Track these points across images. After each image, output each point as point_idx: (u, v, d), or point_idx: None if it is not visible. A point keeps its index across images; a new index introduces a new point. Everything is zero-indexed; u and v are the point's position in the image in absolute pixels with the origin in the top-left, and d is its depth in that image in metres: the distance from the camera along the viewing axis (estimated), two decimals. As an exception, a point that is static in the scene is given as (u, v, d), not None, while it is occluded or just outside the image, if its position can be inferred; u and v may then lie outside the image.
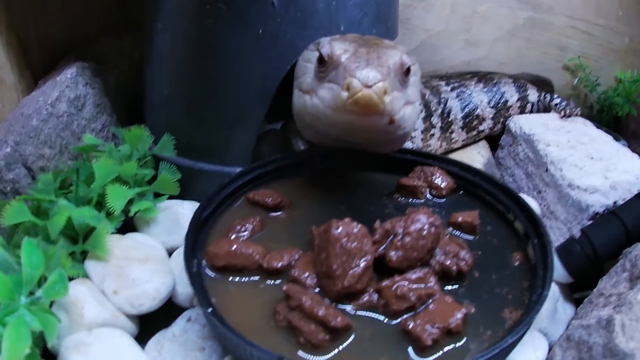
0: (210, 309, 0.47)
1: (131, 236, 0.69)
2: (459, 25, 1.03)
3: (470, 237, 0.59)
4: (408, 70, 0.58)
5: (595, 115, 1.13)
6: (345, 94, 0.52)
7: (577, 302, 0.70)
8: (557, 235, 0.75)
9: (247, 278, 0.53)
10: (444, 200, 0.64)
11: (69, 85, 0.81)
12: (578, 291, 0.72)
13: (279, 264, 0.52)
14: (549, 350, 0.60)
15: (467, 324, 0.49)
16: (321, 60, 0.57)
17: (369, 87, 0.51)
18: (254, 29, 0.66)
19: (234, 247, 0.53)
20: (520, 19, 1.05)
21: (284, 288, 0.48)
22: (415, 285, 0.49)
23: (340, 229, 0.48)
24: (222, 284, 0.53)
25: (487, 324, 0.50)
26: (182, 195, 0.72)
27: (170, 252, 0.68)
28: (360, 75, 0.52)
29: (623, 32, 1.11)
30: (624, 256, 0.65)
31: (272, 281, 0.52)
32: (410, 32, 1.01)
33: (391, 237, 0.50)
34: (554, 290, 0.67)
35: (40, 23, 0.86)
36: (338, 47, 0.56)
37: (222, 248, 0.54)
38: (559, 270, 0.67)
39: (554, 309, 0.66)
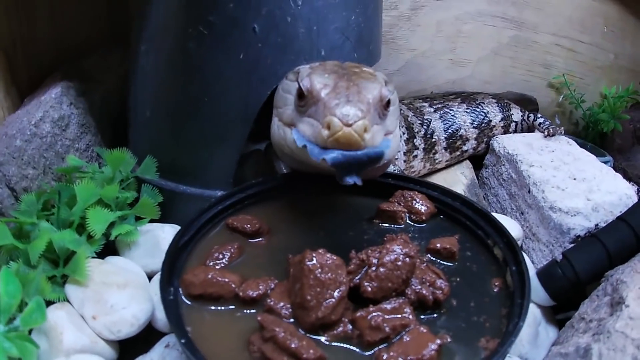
0: (183, 340, 0.47)
1: (111, 260, 0.68)
2: (444, 45, 1.03)
3: (450, 264, 0.58)
4: (388, 103, 0.58)
5: (581, 132, 1.13)
6: (325, 132, 0.52)
7: (560, 323, 0.69)
8: (539, 257, 0.74)
9: (223, 307, 0.52)
10: (424, 225, 0.63)
11: (53, 105, 0.81)
12: (562, 312, 0.72)
13: (255, 293, 0.51)
14: (529, 377, 0.60)
15: (441, 355, 0.48)
16: (301, 94, 0.56)
17: (349, 125, 0.51)
18: (235, 53, 0.66)
19: (210, 275, 0.52)
20: (505, 37, 1.05)
21: (259, 318, 0.48)
22: (390, 316, 0.48)
23: (314, 261, 0.47)
24: (198, 312, 0.52)
25: (462, 354, 0.49)
26: (164, 218, 0.71)
27: (150, 276, 0.67)
28: (340, 114, 0.51)
29: (608, 48, 1.11)
30: (606, 279, 0.65)
31: (248, 310, 0.51)
32: (396, 52, 1.01)
33: (366, 267, 0.50)
34: (535, 314, 0.66)
35: (27, 39, 0.85)
36: (317, 82, 0.55)
37: (198, 276, 0.53)
38: (540, 294, 0.66)
39: (536, 332, 0.65)
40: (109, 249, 0.71)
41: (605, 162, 0.86)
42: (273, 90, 0.66)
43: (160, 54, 0.71)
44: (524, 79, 1.08)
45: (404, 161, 0.85)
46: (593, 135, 1.09)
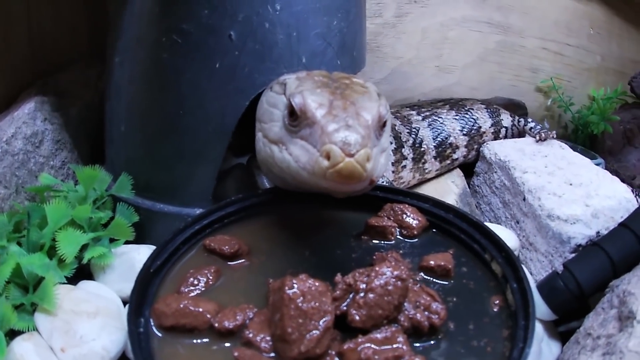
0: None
1: (83, 286, 0.61)
2: (430, 52, 0.97)
3: (445, 282, 0.51)
4: (385, 123, 0.51)
5: (571, 135, 1.07)
6: (325, 163, 0.44)
7: (562, 336, 0.62)
8: (537, 268, 0.68)
9: (197, 339, 0.45)
10: (415, 240, 0.56)
11: (26, 121, 0.74)
12: (563, 324, 0.65)
13: (232, 324, 0.44)
14: (535, 401, 0.53)
15: (441, 389, 0.41)
16: (292, 113, 0.49)
17: (351, 155, 0.44)
18: (210, 62, 0.59)
19: (183, 304, 0.45)
20: (491, 42, 1.00)
21: (235, 354, 0.41)
22: (381, 347, 0.41)
23: (294, 288, 0.40)
24: (171, 346, 0.45)
25: (464, 385, 0.42)
26: (142, 239, 0.64)
27: (125, 302, 0.59)
28: (341, 142, 0.44)
29: (594, 50, 1.06)
30: (611, 290, 0.58)
31: (225, 343, 0.44)
32: (381, 60, 0.95)
33: (353, 293, 0.42)
34: (537, 329, 0.59)
35: (3, 53, 0.78)
36: (311, 100, 0.48)
37: (170, 306, 0.46)
38: (541, 308, 0.59)
39: (539, 350, 0.59)
40: (84, 272, 0.64)
41: (597, 165, 0.80)
42: (252, 101, 0.59)
43: (135, 66, 0.65)
44: (511, 84, 1.02)
45: (393, 172, 0.78)
46: (583, 138, 1.03)
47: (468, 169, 0.89)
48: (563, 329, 0.65)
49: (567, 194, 0.70)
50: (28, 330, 0.55)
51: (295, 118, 0.48)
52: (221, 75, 0.59)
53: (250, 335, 0.43)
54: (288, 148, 0.49)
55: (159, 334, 0.46)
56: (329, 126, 0.45)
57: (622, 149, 1.01)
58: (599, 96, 1.01)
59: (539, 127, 0.87)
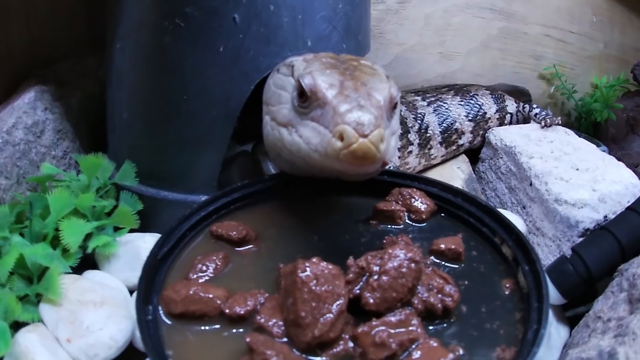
0: (161, 370, 0.38)
1: (88, 275, 0.60)
2: (433, 38, 0.96)
3: (455, 266, 0.51)
4: (396, 105, 0.50)
5: (574, 123, 1.06)
6: (338, 144, 0.43)
7: (570, 321, 0.62)
8: (545, 253, 0.67)
9: (208, 326, 0.44)
10: (424, 224, 0.55)
11: (26, 111, 0.73)
12: (570, 309, 0.64)
13: (243, 310, 0.43)
14: (546, 384, 0.52)
15: (456, 371, 0.40)
16: (302, 94, 0.48)
17: (365, 135, 0.43)
18: (214, 46, 0.58)
19: (192, 290, 0.44)
20: (494, 29, 0.98)
21: (247, 340, 0.39)
22: (396, 330, 0.40)
23: (307, 272, 0.39)
24: (180, 333, 0.44)
25: (478, 367, 0.42)
26: (146, 227, 0.63)
27: (132, 291, 0.59)
28: (354, 122, 0.43)
29: (597, 38, 1.05)
30: (620, 274, 0.58)
31: (236, 329, 0.43)
32: (384, 46, 0.93)
33: (366, 275, 0.42)
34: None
35: (2, 44, 0.76)
36: (322, 81, 0.47)
37: (179, 292, 0.45)
38: (550, 292, 0.58)
39: (548, 334, 0.58)
40: (88, 262, 0.63)
41: (601, 152, 0.79)
42: (257, 85, 0.58)
43: (136, 51, 0.63)
44: (514, 71, 1.01)
45: (399, 157, 0.77)
46: (586, 126, 1.03)
47: (473, 155, 0.88)
48: (570, 314, 0.64)
49: (574, 178, 0.69)
50: (33, 322, 0.54)
51: (305, 99, 0.47)
52: (225, 59, 0.58)
53: (262, 320, 0.42)
54: (298, 130, 0.48)
55: (168, 322, 0.45)
56: (341, 106, 0.44)
57: (625, 136, 1.00)
58: (602, 84, 1.00)
59: (544, 113, 0.86)
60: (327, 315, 0.39)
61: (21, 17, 0.78)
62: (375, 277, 0.41)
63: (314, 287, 0.39)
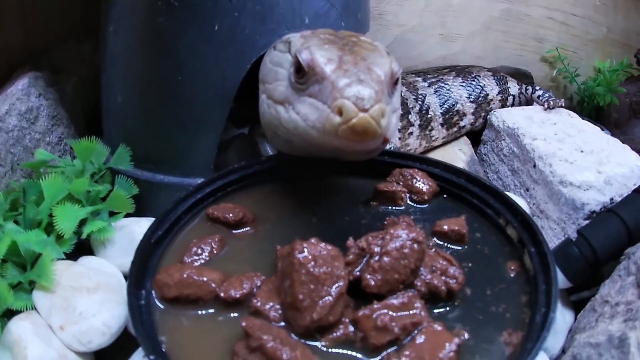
0: (152, 357, 0.36)
1: (83, 261, 0.58)
2: (434, 20, 0.93)
3: (459, 247, 0.48)
4: (397, 81, 0.47)
5: (576, 106, 1.04)
6: (337, 119, 0.41)
7: (574, 305, 0.60)
8: (549, 236, 0.65)
9: (202, 310, 0.42)
10: (426, 205, 0.53)
11: (20, 97, 0.70)
12: (574, 293, 0.62)
13: (238, 293, 0.41)
14: (552, 370, 0.50)
15: (460, 356, 0.38)
16: (299, 69, 0.45)
17: (365, 110, 0.40)
18: (209, 25, 0.55)
19: (186, 274, 0.42)
20: (496, 11, 0.95)
21: (243, 324, 0.37)
22: (398, 313, 0.38)
23: (305, 252, 0.37)
24: (174, 318, 0.42)
25: (484, 352, 0.40)
26: (142, 212, 0.61)
27: (127, 276, 0.57)
28: (353, 96, 0.41)
29: (601, 22, 1.02)
30: (627, 257, 0.55)
31: (232, 313, 0.41)
32: (384, 27, 0.90)
33: (367, 257, 0.39)
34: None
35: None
36: (320, 55, 0.45)
37: (172, 276, 0.43)
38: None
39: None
40: (84, 248, 0.60)
41: (603, 137, 0.77)
42: (253, 65, 0.56)
43: (130, 33, 0.61)
44: (516, 54, 0.98)
45: (399, 138, 0.75)
46: (588, 110, 1.00)
47: (475, 137, 0.86)
48: (574, 299, 0.62)
49: (579, 160, 0.67)
50: (26, 310, 0.52)
51: (303, 75, 0.45)
52: (220, 38, 0.55)
53: (259, 304, 0.40)
54: (295, 107, 0.46)
55: (162, 306, 0.43)
56: (340, 81, 0.42)
57: (627, 121, 0.98)
58: (605, 68, 0.97)
59: (547, 95, 0.83)
60: (326, 298, 0.37)
61: (16, 5, 0.76)
62: (377, 258, 0.39)
63: (312, 269, 0.37)
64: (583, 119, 0.80)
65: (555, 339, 0.56)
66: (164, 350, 0.39)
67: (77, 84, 0.79)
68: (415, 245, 0.39)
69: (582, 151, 0.68)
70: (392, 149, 0.69)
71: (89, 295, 0.51)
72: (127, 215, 0.61)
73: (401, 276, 0.39)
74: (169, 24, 0.57)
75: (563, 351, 0.55)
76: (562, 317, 0.58)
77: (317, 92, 0.44)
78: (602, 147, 0.70)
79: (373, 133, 0.41)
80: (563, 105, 0.81)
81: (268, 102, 0.50)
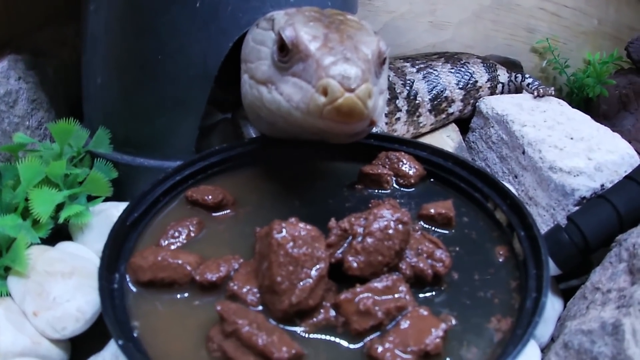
0: (121, 342, 0.34)
1: (60, 247, 0.55)
2: (424, 7, 0.90)
3: (446, 231, 0.46)
4: (384, 61, 0.45)
5: (565, 98, 1.01)
6: (322, 100, 0.38)
7: (564, 294, 0.58)
8: (538, 223, 0.62)
9: (178, 294, 0.39)
10: (412, 189, 0.50)
11: (-2, 80, 0.67)
12: (563, 281, 0.60)
13: (215, 276, 0.38)
14: (542, 357, 0.48)
15: (447, 342, 0.36)
16: (282, 47, 0.43)
17: (352, 90, 0.38)
18: (191, 2, 0.53)
19: (161, 257, 0.39)
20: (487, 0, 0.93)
21: (218, 308, 0.35)
22: (381, 297, 0.35)
23: (283, 232, 0.34)
24: (149, 302, 0.39)
25: (471, 338, 0.37)
26: (122, 196, 0.58)
27: (102, 261, 0.54)
28: (339, 75, 0.38)
29: (592, 14, 1.00)
30: (618, 244, 0.53)
31: (208, 298, 0.39)
32: (373, 14, 0.87)
33: (350, 238, 0.37)
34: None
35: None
36: (304, 32, 0.42)
37: (147, 259, 0.40)
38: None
39: (542, 305, 0.54)
40: (63, 234, 0.57)
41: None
42: (235, 43, 0.53)
43: (110, 12, 0.58)
44: (506, 43, 0.96)
45: (386, 124, 0.72)
46: (578, 101, 0.98)
47: (463, 125, 0.83)
48: (563, 287, 0.60)
49: (569, 147, 0.64)
50: (1, 296, 0.49)
51: (286, 53, 0.42)
52: (202, 16, 0.52)
53: (235, 287, 0.37)
54: (278, 87, 0.43)
55: (135, 290, 0.40)
56: (325, 59, 0.39)
57: (617, 113, 0.95)
58: (595, 60, 0.95)
59: (536, 83, 0.81)
60: (306, 280, 0.34)
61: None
62: (359, 239, 0.36)
63: (290, 250, 0.34)
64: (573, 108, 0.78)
65: (544, 327, 0.54)
66: (135, 335, 0.37)
67: (58, 68, 0.75)
68: (400, 226, 0.37)
69: (572, 138, 0.66)
70: (378, 133, 0.67)
71: (64, 280, 0.48)
72: (106, 200, 0.58)
73: (385, 258, 0.36)
74: (149, 1, 0.54)
75: (552, 339, 0.53)
76: (551, 305, 0.56)
77: (301, 71, 0.41)
78: (592, 135, 0.68)
79: (359, 114, 0.38)
80: (553, 93, 0.78)
81: (250, 83, 0.47)
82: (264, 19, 0.48)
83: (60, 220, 0.55)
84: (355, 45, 0.41)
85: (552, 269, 0.55)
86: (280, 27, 0.44)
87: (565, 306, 0.56)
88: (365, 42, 0.42)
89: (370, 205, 0.45)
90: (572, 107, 0.90)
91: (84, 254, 0.54)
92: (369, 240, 0.36)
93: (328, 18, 0.45)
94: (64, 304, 0.47)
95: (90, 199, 0.58)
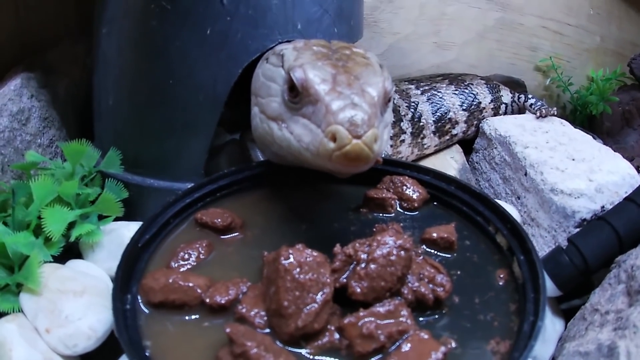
0: (135, 361, 0.36)
1: (71, 265, 0.57)
2: (428, 28, 0.93)
3: (448, 255, 0.48)
4: (390, 99, 0.47)
5: (569, 115, 1.04)
6: (331, 145, 0.40)
7: (565, 314, 0.59)
8: (540, 244, 0.64)
9: (188, 316, 0.41)
10: (416, 213, 0.52)
11: (11, 98, 0.69)
12: (564, 301, 0.62)
13: (224, 299, 0.40)
14: (541, 379, 0.50)
15: (447, 365, 0.37)
16: (292, 87, 0.45)
17: (358, 136, 0.40)
18: (201, 28, 0.55)
19: (172, 279, 0.42)
20: (490, 20, 0.95)
21: (227, 330, 0.37)
22: (384, 321, 0.37)
23: (290, 259, 0.37)
24: (160, 323, 0.41)
25: (471, 361, 0.39)
26: (132, 216, 0.60)
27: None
28: (347, 122, 0.40)
29: (594, 31, 1.02)
30: (617, 265, 0.55)
31: (217, 320, 0.41)
32: (378, 35, 0.90)
33: (354, 263, 0.39)
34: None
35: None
36: (314, 75, 0.44)
37: (158, 281, 0.42)
38: (546, 284, 0.56)
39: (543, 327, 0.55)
40: (73, 252, 0.60)
41: (596, 146, 0.76)
42: (245, 69, 0.55)
43: (122, 36, 0.60)
44: (510, 62, 0.98)
45: (391, 146, 0.74)
46: (581, 119, 1.00)
47: (467, 146, 0.86)
48: (565, 307, 0.61)
49: (570, 168, 0.66)
50: (13, 312, 0.51)
51: (296, 94, 0.44)
52: (212, 42, 0.55)
53: (244, 310, 0.39)
54: (289, 126, 0.45)
55: (147, 311, 0.42)
56: (333, 104, 0.41)
57: (620, 130, 0.98)
58: (598, 77, 0.97)
59: (539, 103, 0.83)
60: (312, 305, 0.36)
61: (10, 4, 0.75)
62: (363, 265, 0.38)
63: (297, 276, 0.36)
64: (575, 127, 0.80)
65: (545, 348, 0.55)
66: (147, 355, 0.39)
67: (69, 86, 0.78)
68: (402, 253, 0.39)
69: (573, 159, 0.68)
70: (383, 156, 0.69)
71: (76, 298, 0.50)
72: (117, 219, 0.60)
73: (387, 284, 0.38)
74: (161, 27, 0.56)
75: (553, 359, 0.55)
76: (552, 325, 0.58)
77: (311, 113, 0.43)
78: (593, 155, 0.69)
79: (366, 159, 0.40)
80: (555, 113, 0.80)
81: (261, 117, 0.50)
82: (273, 54, 0.50)
83: (72, 239, 0.57)
84: (362, 87, 0.43)
85: (553, 290, 0.56)
86: (289, 65, 0.46)
87: (566, 327, 0.58)
88: (372, 84, 0.44)
89: (374, 229, 0.47)
90: (576, 124, 0.92)
91: (94, 272, 0.56)
92: (372, 266, 0.38)
93: (335, 54, 0.48)
94: (76, 321, 0.49)
95: (101, 217, 0.60)
